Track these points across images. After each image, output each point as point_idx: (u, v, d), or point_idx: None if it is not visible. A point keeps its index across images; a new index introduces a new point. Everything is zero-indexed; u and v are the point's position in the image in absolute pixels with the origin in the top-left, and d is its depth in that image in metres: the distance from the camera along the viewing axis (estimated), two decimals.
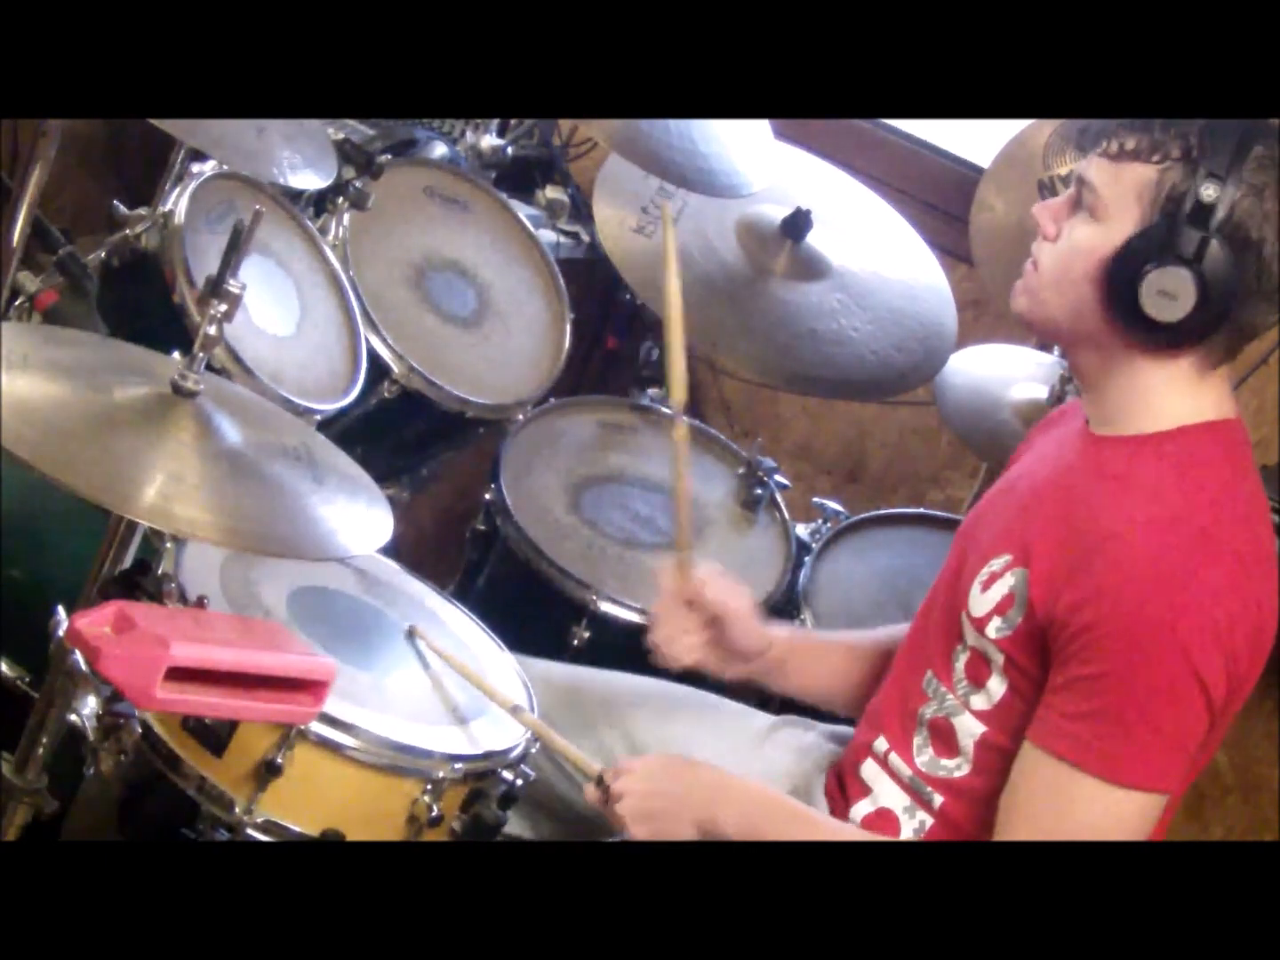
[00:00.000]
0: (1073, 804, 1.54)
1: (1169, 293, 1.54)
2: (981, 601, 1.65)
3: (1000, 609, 1.62)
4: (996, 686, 1.64)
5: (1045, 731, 1.55)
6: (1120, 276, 1.56)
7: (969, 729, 1.66)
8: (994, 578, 1.64)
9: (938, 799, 1.69)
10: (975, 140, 3.11)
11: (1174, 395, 1.61)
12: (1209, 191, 1.52)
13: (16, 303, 2.11)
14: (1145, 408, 1.62)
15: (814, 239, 2.61)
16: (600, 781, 1.71)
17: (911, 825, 1.71)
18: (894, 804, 1.72)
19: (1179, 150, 1.53)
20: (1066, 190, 1.64)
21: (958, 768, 1.68)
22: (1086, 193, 1.59)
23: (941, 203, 3.10)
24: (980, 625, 1.64)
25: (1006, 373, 2.71)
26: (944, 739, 1.69)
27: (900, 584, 2.49)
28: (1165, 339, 1.57)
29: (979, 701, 1.66)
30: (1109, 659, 1.51)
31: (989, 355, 2.78)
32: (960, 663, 1.68)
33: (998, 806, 1.60)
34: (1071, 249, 1.60)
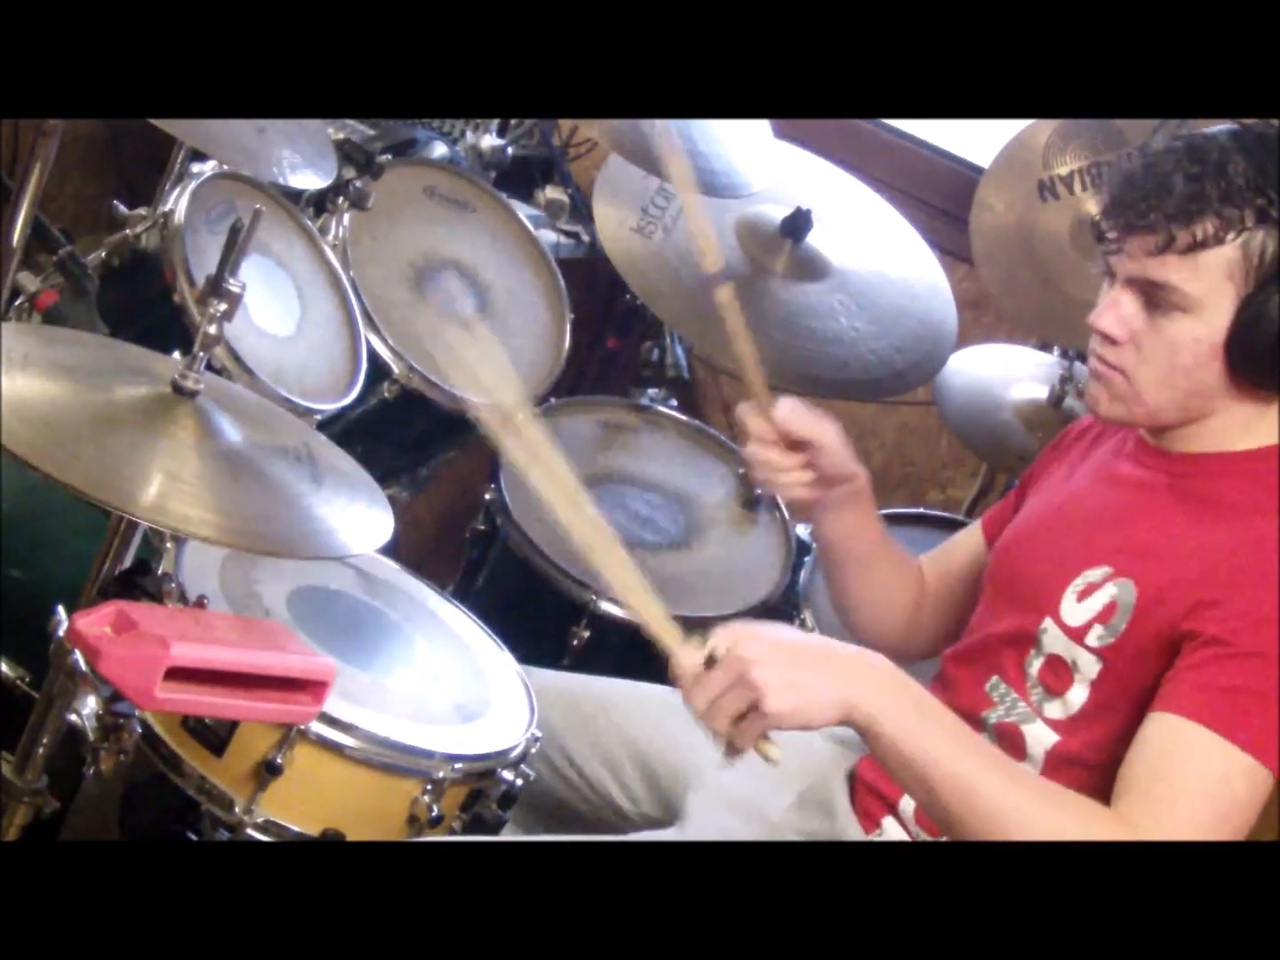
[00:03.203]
0: (1226, 778, 1.49)
1: None
2: (1079, 611, 1.64)
3: (1102, 617, 1.62)
4: (1077, 696, 1.63)
5: (1192, 705, 1.51)
6: (1250, 349, 1.57)
7: (1040, 738, 1.65)
8: (1092, 588, 1.64)
9: None
10: (975, 140, 3.11)
11: (1259, 419, 1.64)
12: None
13: (16, 303, 2.11)
14: (1235, 431, 1.64)
15: (814, 239, 2.61)
16: (710, 657, 1.42)
17: None
18: None
19: (1252, 218, 1.53)
20: (1111, 288, 1.62)
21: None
22: (1164, 294, 1.58)
23: (941, 203, 3.10)
24: (1078, 634, 1.64)
25: (1006, 373, 2.71)
26: (1012, 744, 1.66)
27: None
28: None
29: (1054, 710, 1.65)
30: (1254, 646, 1.51)
31: (989, 355, 2.78)
32: (1034, 669, 1.67)
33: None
34: (1171, 348, 1.60)
